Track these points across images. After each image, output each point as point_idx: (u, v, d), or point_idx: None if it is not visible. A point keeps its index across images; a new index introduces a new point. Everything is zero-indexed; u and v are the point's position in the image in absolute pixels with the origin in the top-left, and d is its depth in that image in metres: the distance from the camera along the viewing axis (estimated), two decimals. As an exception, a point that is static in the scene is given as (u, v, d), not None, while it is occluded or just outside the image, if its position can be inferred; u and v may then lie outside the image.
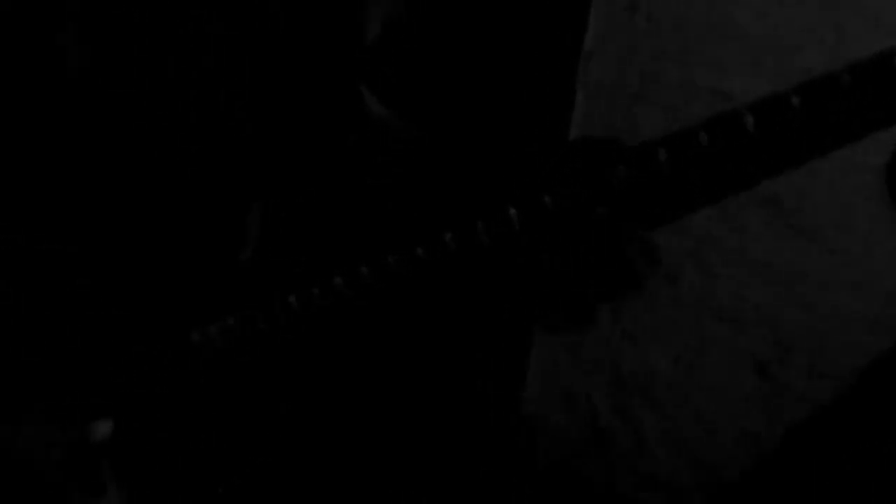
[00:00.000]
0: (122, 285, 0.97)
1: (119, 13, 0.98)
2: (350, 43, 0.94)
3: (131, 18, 0.98)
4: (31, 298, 0.96)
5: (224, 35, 0.97)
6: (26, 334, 0.96)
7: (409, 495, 1.07)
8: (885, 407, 1.02)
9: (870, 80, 0.79)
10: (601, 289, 0.86)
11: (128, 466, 0.94)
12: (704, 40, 1.81)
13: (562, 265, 0.85)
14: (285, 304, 0.89)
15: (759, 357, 1.83)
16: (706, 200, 0.85)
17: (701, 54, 1.83)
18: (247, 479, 0.97)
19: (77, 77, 0.99)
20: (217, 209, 0.97)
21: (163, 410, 0.94)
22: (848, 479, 1.01)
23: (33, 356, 0.96)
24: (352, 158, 0.97)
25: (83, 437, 0.95)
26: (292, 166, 0.97)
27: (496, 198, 0.86)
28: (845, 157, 0.87)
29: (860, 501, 1.00)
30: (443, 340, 1.01)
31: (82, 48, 0.99)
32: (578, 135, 1.51)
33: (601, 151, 0.85)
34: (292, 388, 0.96)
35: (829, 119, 0.81)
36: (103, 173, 0.99)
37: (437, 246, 0.86)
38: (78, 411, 0.94)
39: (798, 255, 1.83)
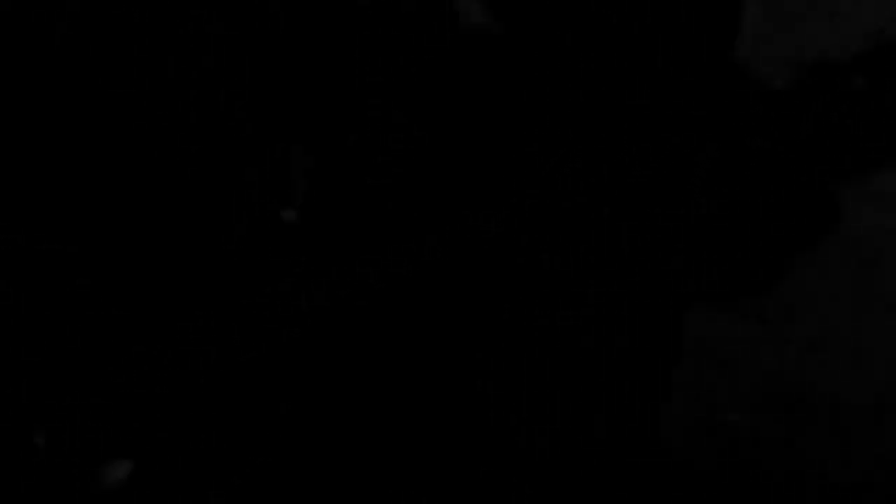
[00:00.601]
0: (122, 286, 0.96)
1: (119, 13, 0.98)
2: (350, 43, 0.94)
3: (131, 18, 0.98)
4: (30, 298, 0.96)
5: (224, 35, 0.97)
6: (26, 334, 0.95)
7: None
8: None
9: None
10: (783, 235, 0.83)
11: None
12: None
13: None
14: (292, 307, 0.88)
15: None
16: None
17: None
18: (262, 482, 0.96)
19: (77, 77, 0.99)
20: (217, 209, 0.96)
21: (186, 448, 0.94)
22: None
23: (33, 356, 0.95)
24: (352, 158, 0.96)
25: (95, 477, 0.95)
26: (292, 166, 0.97)
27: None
28: None
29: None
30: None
31: (82, 48, 0.99)
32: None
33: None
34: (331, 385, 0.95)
35: None
36: (102, 173, 0.99)
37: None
38: (80, 414, 0.93)
39: None
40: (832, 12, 0.92)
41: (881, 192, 0.90)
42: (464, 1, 0.89)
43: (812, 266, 0.96)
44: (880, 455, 1.02)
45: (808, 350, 1.05)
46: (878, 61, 0.80)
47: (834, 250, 0.96)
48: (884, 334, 1.08)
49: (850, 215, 0.90)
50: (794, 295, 0.98)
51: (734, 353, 1.02)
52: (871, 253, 1.03)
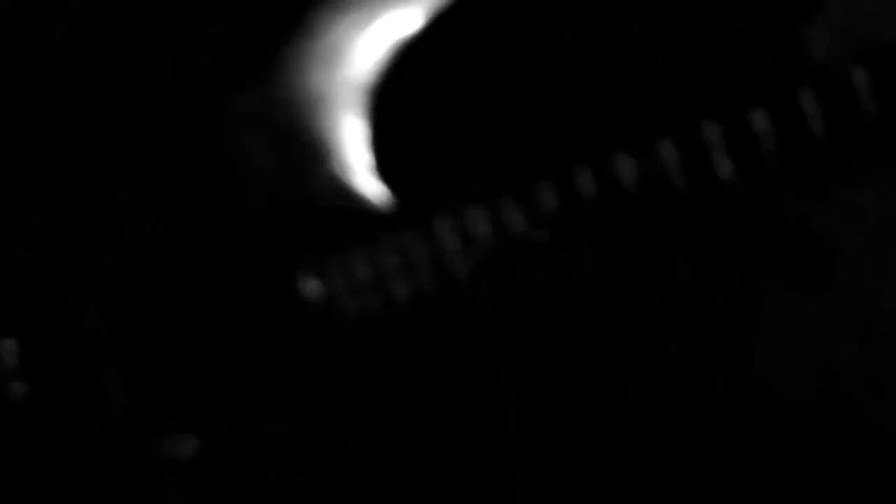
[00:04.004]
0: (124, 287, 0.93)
1: (119, 13, 0.97)
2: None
3: (131, 19, 0.96)
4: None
5: (224, 35, 0.94)
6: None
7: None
8: None
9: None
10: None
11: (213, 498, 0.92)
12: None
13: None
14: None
15: None
16: None
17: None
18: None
19: (76, 77, 0.97)
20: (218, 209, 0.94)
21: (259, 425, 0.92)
22: None
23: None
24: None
25: (153, 449, 0.92)
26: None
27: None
28: None
29: None
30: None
31: (81, 47, 0.97)
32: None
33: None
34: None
35: None
36: (102, 173, 0.96)
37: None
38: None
39: None
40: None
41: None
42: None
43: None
44: None
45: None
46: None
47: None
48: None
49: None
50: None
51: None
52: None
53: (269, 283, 0.90)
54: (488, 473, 0.96)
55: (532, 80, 0.95)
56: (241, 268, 0.91)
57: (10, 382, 0.94)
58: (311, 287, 0.89)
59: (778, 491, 1.01)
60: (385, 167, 0.90)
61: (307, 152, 0.90)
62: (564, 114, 0.94)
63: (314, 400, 0.92)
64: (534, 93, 0.95)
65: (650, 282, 0.94)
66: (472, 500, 0.96)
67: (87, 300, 0.94)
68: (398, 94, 0.91)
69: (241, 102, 0.92)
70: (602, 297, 0.94)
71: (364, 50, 0.89)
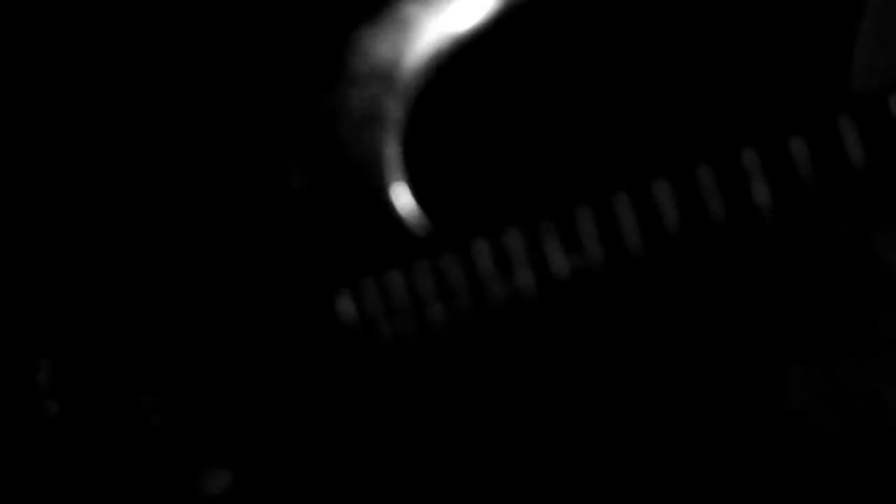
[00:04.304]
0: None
1: (118, 13, 0.97)
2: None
3: (131, 19, 0.97)
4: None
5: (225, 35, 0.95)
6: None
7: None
8: None
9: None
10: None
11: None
12: None
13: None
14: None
15: None
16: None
17: None
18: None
19: (76, 77, 0.98)
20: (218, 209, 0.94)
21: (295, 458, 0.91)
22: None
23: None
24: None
25: (190, 487, 0.91)
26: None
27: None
28: None
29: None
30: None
31: (82, 48, 0.98)
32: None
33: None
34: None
35: None
36: (103, 174, 0.96)
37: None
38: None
39: None
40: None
41: None
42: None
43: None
44: None
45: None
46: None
47: None
48: None
49: None
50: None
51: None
52: None
53: (305, 303, 0.90)
54: (524, 498, 0.96)
55: (572, 103, 0.95)
56: (278, 288, 0.91)
57: (44, 402, 0.94)
58: (347, 309, 0.89)
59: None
60: (423, 190, 0.90)
61: (346, 173, 0.90)
62: (604, 138, 0.94)
63: (349, 423, 0.91)
64: (573, 117, 0.95)
65: (684, 308, 0.94)
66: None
67: (122, 321, 0.94)
68: (437, 117, 0.91)
69: (280, 120, 0.92)
70: (636, 322, 0.94)
71: (404, 72, 0.89)
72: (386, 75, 0.90)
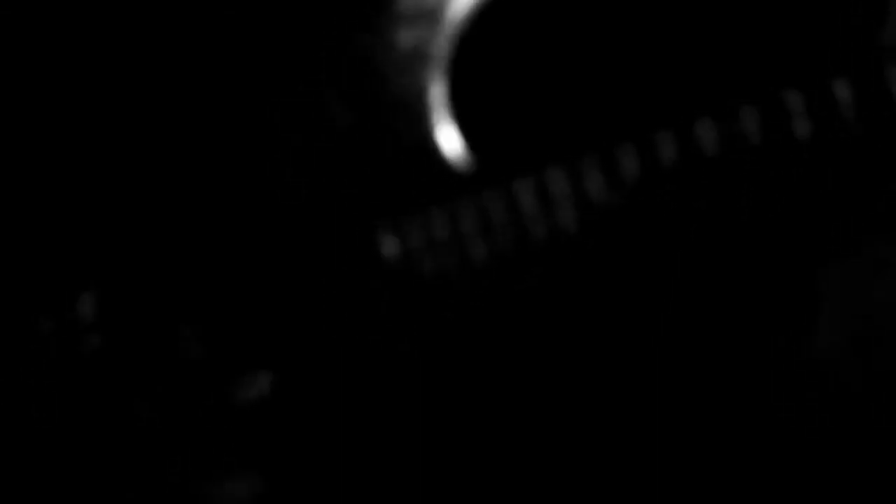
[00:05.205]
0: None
1: (119, 13, 0.98)
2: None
3: (131, 19, 0.98)
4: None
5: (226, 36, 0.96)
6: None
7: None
8: None
9: None
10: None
11: (291, 437, 0.91)
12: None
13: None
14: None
15: None
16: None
17: None
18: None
19: (77, 76, 0.98)
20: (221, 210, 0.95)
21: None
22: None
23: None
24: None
25: (227, 392, 0.92)
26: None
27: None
28: None
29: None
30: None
31: (83, 48, 0.99)
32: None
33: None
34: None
35: None
36: (104, 176, 0.97)
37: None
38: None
39: None
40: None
41: None
42: None
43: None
44: None
45: None
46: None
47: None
48: None
49: None
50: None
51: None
52: None
53: (347, 239, 0.91)
54: (567, 446, 0.97)
55: (616, 42, 0.96)
56: (321, 224, 0.92)
57: (86, 335, 0.94)
58: (389, 244, 0.89)
59: (843, 474, 1.01)
60: (467, 127, 0.91)
61: (389, 109, 0.91)
62: (648, 78, 0.95)
63: (387, 357, 0.92)
64: (618, 55, 0.96)
65: (719, 251, 0.95)
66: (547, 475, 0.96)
67: (163, 252, 0.95)
68: (481, 54, 0.92)
69: (324, 57, 0.92)
70: (670, 265, 0.95)
71: (449, 10, 0.90)
72: (432, 14, 0.90)
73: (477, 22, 0.90)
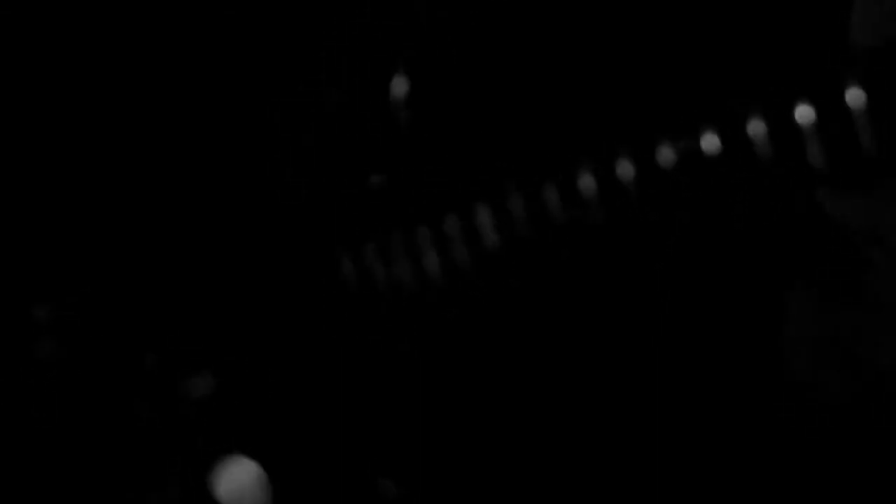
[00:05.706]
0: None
1: (119, 14, 0.98)
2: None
3: (132, 20, 0.98)
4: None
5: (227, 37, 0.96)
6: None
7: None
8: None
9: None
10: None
11: (235, 434, 0.91)
12: None
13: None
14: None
15: None
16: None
17: None
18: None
19: (77, 76, 0.99)
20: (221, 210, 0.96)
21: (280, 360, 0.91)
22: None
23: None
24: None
25: (177, 394, 0.92)
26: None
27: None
28: None
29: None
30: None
31: (83, 48, 0.99)
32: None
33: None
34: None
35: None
36: (105, 176, 0.98)
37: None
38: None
39: None
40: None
41: None
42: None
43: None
44: None
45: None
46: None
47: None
48: None
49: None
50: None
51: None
52: None
53: (304, 252, 0.91)
54: (527, 451, 0.96)
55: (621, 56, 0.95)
56: (278, 235, 0.92)
57: (39, 340, 0.94)
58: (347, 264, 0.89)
59: (817, 493, 1.01)
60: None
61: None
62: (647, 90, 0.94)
63: (339, 358, 0.92)
64: (625, 68, 0.95)
65: (684, 270, 0.94)
66: (510, 475, 0.96)
67: (124, 268, 0.95)
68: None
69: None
70: (632, 284, 0.94)
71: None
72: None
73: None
